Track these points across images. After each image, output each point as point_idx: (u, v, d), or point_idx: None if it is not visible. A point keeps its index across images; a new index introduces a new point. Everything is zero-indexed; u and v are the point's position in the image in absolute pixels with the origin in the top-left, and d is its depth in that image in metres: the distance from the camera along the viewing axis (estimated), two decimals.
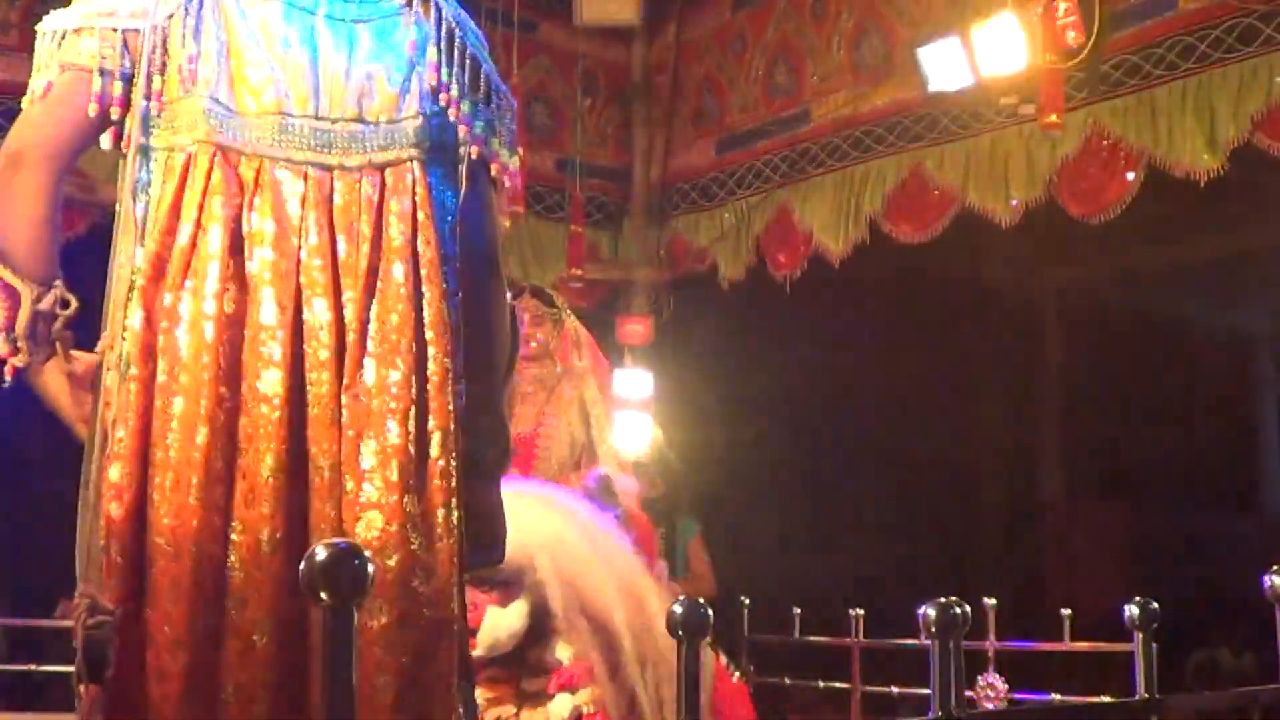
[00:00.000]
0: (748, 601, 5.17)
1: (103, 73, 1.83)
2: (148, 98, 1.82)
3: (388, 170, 1.87)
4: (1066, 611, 4.24)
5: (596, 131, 6.62)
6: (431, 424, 1.81)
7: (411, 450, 1.78)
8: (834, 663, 5.04)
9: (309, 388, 1.78)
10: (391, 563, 1.75)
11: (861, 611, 4.78)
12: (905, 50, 5.38)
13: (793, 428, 9.46)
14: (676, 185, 6.62)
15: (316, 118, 1.86)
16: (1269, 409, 11.29)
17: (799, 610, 5.02)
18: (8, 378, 1.83)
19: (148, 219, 1.81)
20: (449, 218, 1.92)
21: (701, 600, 1.32)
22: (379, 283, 1.82)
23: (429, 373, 1.82)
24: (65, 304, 1.86)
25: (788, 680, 5.46)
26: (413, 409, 1.78)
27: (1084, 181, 4.91)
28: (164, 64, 1.83)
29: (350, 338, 1.79)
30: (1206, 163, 4.52)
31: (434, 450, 1.80)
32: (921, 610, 1.26)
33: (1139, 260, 8.88)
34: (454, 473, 1.81)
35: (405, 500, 1.77)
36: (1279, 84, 4.31)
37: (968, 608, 1.25)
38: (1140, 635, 1.55)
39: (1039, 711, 2.69)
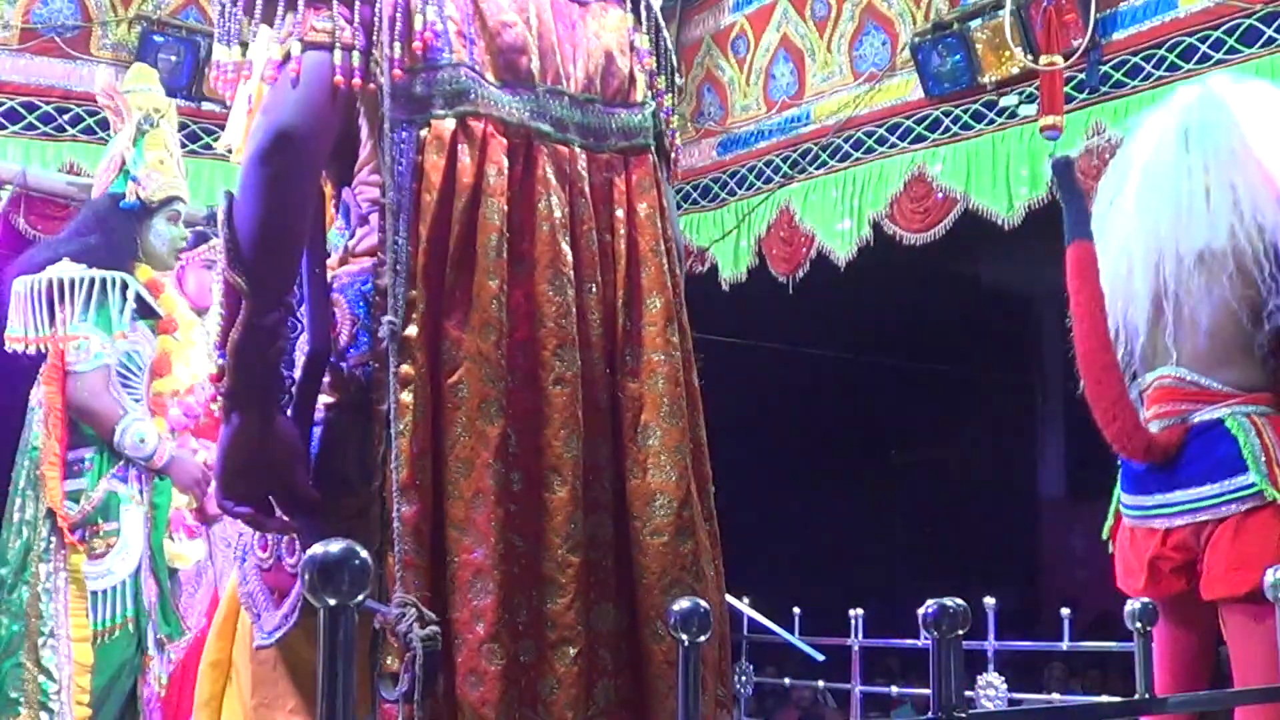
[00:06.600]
0: (748, 601, 5.17)
1: (342, 47, 1.63)
2: (396, 68, 1.64)
3: (630, 155, 1.83)
4: (1066, 611, 4.25)
5: None
6: (693, 411, 1.80)
7: (689, 437, 1.76)
8: (834, 663, 5.04)
9: (594, 369, 1.72)
10: (687, 548, 1.72)
11: (861, 611, 4.78)
12: (906, 50, 5.39)
13: (793, 427, 9.47)
14: (677, 185, 6.60)
15: (567, 94, 1.78)
16: None
17: (799, 610, 5.02)
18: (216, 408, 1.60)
19: (410, 197, 1.63)
20: (671, 207, 1.89)
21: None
22: (636, 269, 1.78)
23: (689, 364, 1.81)
24: (294, 327, 1.62)
25: (788, 680, 5.47)
26: (683, 397, 1.77)
27: (1085, 182, 4.90)
28: (406, 31, 1.65)
29: (621, 322, 1.76)
30: None
31: (699, 436, 1.80)
32: (921, 610, 1.26)
33: None
34: (707, 455, 1.82)
35: (690, 486, 1.74)
36: None
37: (967, 607, 1.25)
38: (1140, 635, 1.54)
39: (1039, 711, 2.68)
